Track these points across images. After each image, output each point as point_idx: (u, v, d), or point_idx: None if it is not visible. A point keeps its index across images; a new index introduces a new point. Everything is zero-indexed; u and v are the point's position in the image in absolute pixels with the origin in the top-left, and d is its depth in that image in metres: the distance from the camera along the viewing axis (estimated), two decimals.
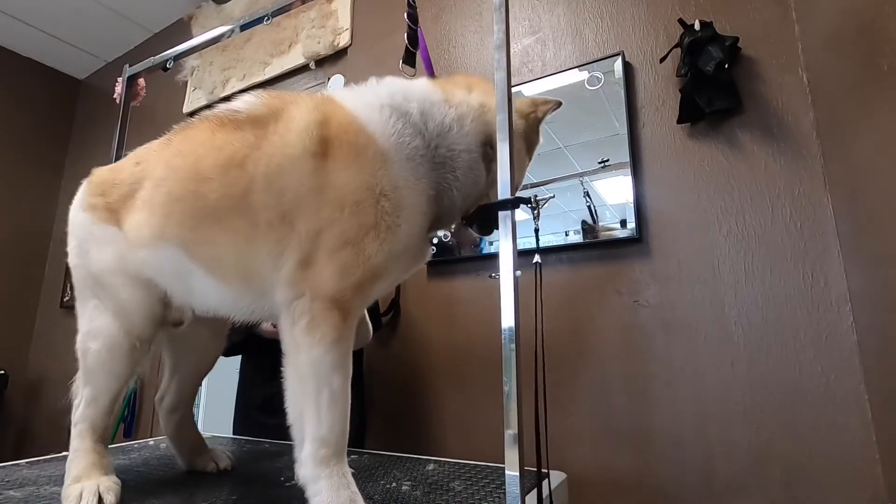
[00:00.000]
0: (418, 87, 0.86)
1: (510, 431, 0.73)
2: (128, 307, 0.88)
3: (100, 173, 0.97)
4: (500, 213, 0.80)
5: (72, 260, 0.95)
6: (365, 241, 0.74)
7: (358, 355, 1.69)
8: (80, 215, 0.94)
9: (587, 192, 1.60)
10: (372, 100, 0.82)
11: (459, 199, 0.87)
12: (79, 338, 0.92)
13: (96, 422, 0.90)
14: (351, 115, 0.80)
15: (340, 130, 0.78)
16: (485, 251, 1.78)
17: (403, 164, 0.78)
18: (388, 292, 0.91)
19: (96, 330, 0.89)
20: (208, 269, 0.83)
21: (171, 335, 1.06)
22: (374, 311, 1.70)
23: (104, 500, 0.79)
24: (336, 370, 0.74)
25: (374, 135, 0.78)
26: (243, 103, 0.86)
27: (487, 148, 0.86)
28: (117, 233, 0.88)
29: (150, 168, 0.90)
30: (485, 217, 0.86)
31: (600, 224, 1.57)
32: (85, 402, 0.90)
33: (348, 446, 0.77)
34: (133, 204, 0.88)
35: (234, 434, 1.57)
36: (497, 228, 0.83)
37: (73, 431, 0.89)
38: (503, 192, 0.81)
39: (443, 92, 0.86)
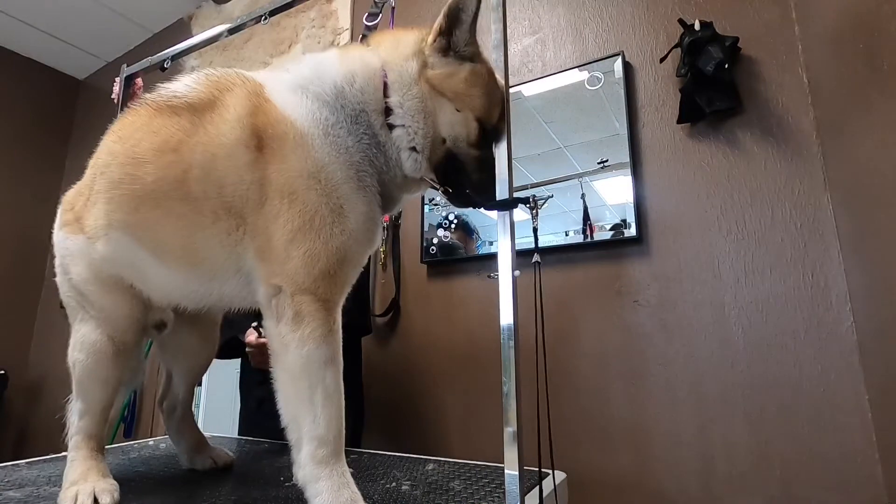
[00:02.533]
0: (329, 62, 0.85)
1: (509, 429, 0.73)
2: (109, 313, 0.89)
3: (69, 192, 0.99)
4: (499, 213, 0.80)
5: (58, 279, 0.96)
6: (316, 225, 0.74)
7: (355, 354, 1.69)
8: (57, 235, 0.96)
9: (583, 195, 1.59)
10: (290, 82, 0.83)
11: (397, 161, 0.84)
12: (68, 353, 0.92)
13: (91, 431, 0.90)
14: (273, 103, 0.80)
15: (268, 121, 0.78)
16: (485, 251, 1.78)
17: (323, 140, 0.78)
18: (355, 278, 0.89)
19: (81, 340, 0.90)
20: (155, 254, 0.84)
21: (162, 342, 1.08)
22: (364, 312, 1.69)
23: (100, 501, 0.79)
24: (328, 366, 0.73)
25: (292, 119, 0.78)
26: (184, 87, 0.86)
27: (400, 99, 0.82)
28: (84, 240, 0.89)
29: (97, 159, 0.91)
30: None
31: (598, 224, 1.56)
32: (78, 415, 0.90)
33: (345, 446, 0.76)
34: (89, 202, 0.90)
35: (239, 435, 1.56)
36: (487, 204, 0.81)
37: (70, 443, 0.90)
38: (501, 192, 0.81)
39: (351, 62, 0.84)
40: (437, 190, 0.87)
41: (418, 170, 0.83)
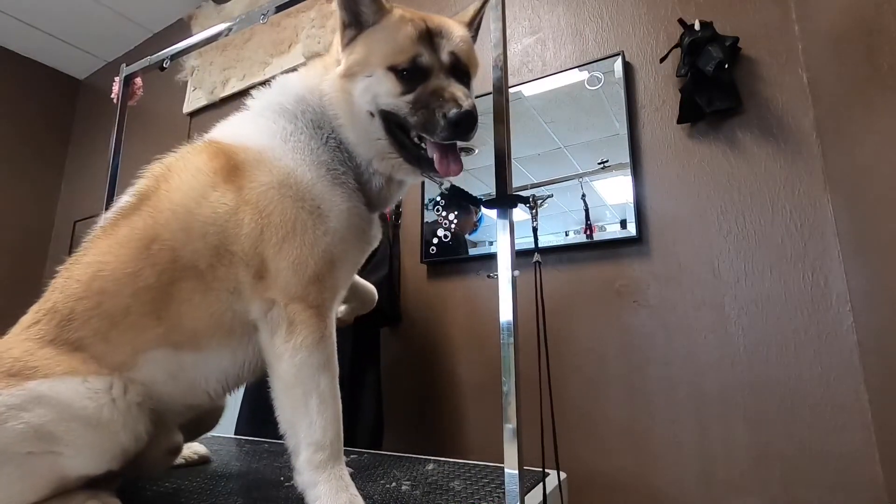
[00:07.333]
0: (293, 79, 0.90)
1: (509, 426, 0.73)
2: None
3: None
4: (498, 212, 0.80)
5: None
6: (298, 231, 0.75)
7: (374, 357, 1.70)
8: None
9: (584, 195, 1.59)
10: (241, 117, 0.88)
11: (368, 151, 0.83)
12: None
13: None
14: (228, 141, 0.84)
15: (226, 157, 0.81)
16: (485, 251, 1.78)
17: (283, 147, 0.80)
18: (349, 280, 0.88)
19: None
20: (196, 347, 0.79)
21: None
22: (392, 303, 1.75)
23: None
24: (322, 371, 0.74)
25: (248, 142, 0.82)
26: (127, 195, 0.86)
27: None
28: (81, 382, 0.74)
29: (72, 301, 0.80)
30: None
31: (597, 224, 1.57)
32: None
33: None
34: (54, 347, 0.79)
35: (239, 434, 1.55)
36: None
37: None
38: (500, 191, 0.81)
39: (313, 75, 0.89)
40: (420, 173, 0.83)
41: (378, 154, 0.82)
